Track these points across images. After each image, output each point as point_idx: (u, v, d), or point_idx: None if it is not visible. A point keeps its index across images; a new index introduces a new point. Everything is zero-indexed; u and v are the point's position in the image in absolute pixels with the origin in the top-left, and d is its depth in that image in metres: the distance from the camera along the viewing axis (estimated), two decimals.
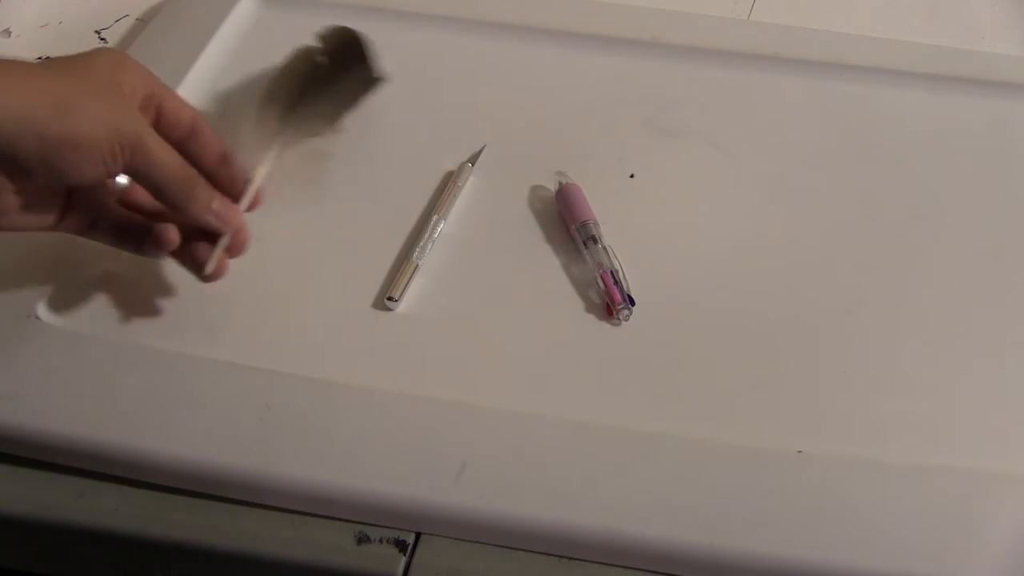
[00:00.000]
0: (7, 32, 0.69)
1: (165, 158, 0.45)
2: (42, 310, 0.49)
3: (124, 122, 0.43)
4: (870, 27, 0.71)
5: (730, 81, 0.64)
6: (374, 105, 0.62)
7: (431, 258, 0.53)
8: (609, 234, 0.53)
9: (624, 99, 0.63)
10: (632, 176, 0.58)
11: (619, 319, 0.50)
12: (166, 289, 0.51)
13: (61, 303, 0.50)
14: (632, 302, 0.50)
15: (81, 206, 0.47)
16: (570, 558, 0.43)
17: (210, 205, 0.47)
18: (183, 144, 0.47)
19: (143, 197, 0.48)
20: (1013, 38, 0.72)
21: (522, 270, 0.53)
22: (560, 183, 0.56)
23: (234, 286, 0.51)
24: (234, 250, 0.49)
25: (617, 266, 0.52)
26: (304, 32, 0.54)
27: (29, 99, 0.40)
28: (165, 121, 0.47)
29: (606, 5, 0.69)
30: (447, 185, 0.56)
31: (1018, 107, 0.63)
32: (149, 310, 0.50)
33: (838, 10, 0.73)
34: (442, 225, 0.54)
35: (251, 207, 0.50)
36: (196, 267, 0.48)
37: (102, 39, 0.69)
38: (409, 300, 0.51)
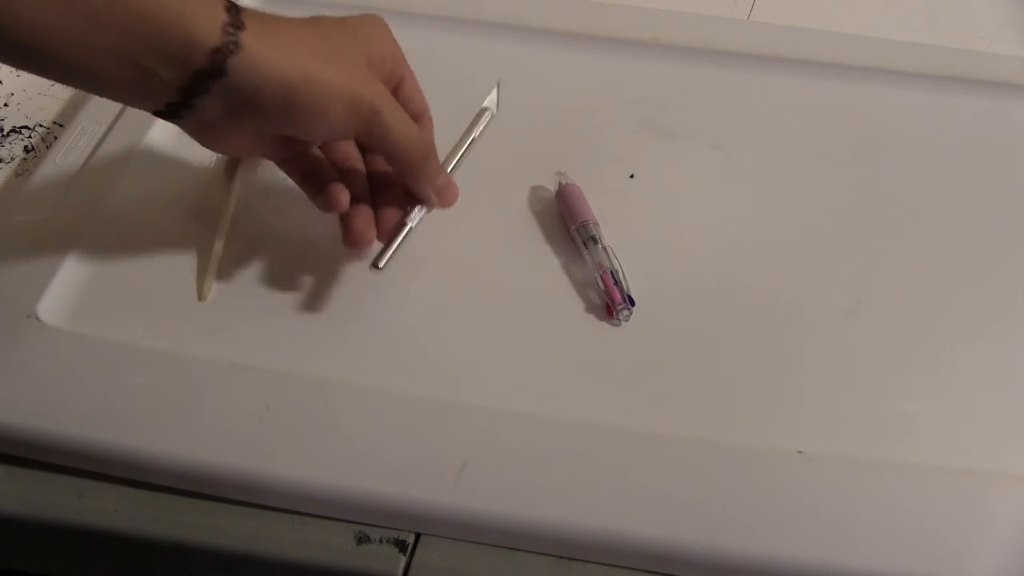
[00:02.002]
0: None
1: (401, 129, 0.48)
2: (42, 310, 0.49)
3: (363, 94, 0.46)
4: (870, 27, 0.71)
5: (730, 81, 0.64)
6: None
7: (431, 258, 0.53)
8: (609, 234, 0.53)
9: (624, 99, 0.63)
10: (632, 176, 0.58)
11: (619, 319, 0.50)
12: (166, 289, 0.51)
13: (61, 303, 0.50)
14: (632, 302, 0.50)
15: (288, 143, 0.49)
16: (570, 558, 0.43)
17: (435, 181, 0.50)
18: None
19: (340, 153, 0.52)
20: (1013, 38, 0.72)
21: (522, 270, 0.53)
22: (560, 183, 0.56)
23: (235, 286, 0.51)
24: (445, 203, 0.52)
25: (617, 266, 0.52)
26: None
27: (281, 67, 0.43)
28: (398, 100, 0.49)
29: (606, 5, 0.69)
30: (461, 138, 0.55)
31: (1018, 107, 0.63)
32: (149, 310, 0.50)
33: (838, 10, 0.73)
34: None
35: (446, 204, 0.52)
36: (377, 232, 0.50)
37: None
38: (409, 300, 0.51)
